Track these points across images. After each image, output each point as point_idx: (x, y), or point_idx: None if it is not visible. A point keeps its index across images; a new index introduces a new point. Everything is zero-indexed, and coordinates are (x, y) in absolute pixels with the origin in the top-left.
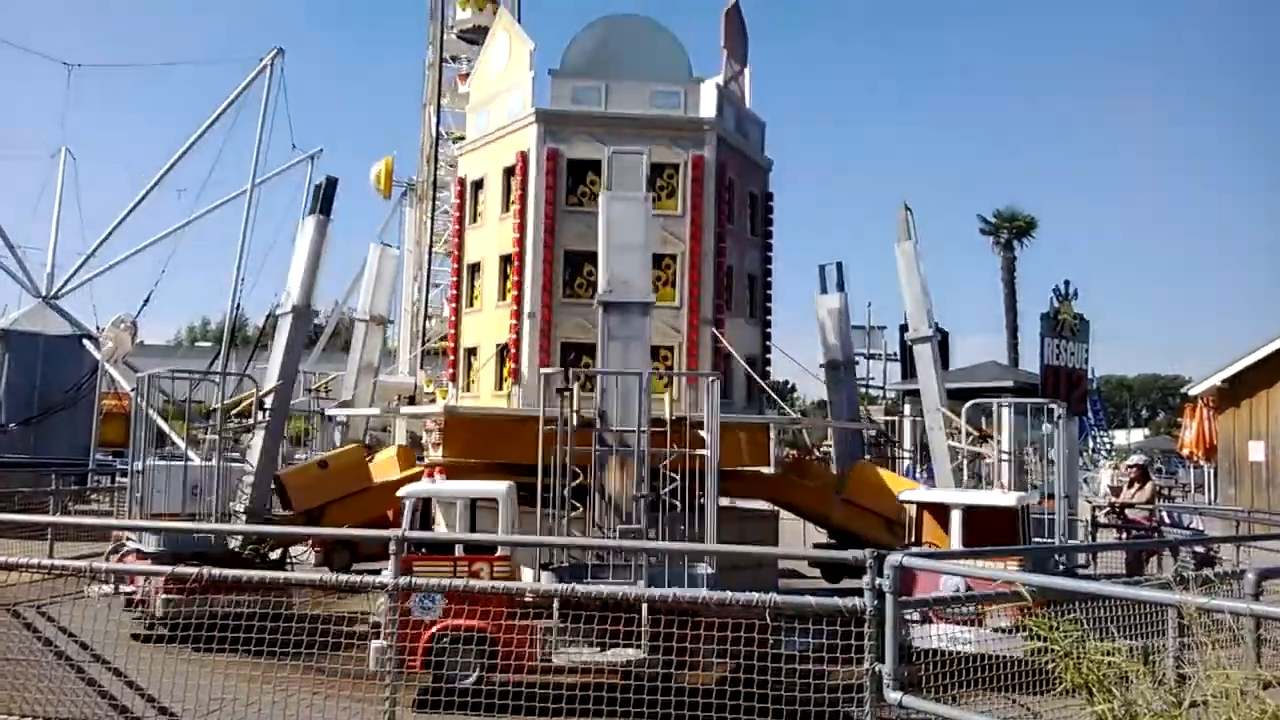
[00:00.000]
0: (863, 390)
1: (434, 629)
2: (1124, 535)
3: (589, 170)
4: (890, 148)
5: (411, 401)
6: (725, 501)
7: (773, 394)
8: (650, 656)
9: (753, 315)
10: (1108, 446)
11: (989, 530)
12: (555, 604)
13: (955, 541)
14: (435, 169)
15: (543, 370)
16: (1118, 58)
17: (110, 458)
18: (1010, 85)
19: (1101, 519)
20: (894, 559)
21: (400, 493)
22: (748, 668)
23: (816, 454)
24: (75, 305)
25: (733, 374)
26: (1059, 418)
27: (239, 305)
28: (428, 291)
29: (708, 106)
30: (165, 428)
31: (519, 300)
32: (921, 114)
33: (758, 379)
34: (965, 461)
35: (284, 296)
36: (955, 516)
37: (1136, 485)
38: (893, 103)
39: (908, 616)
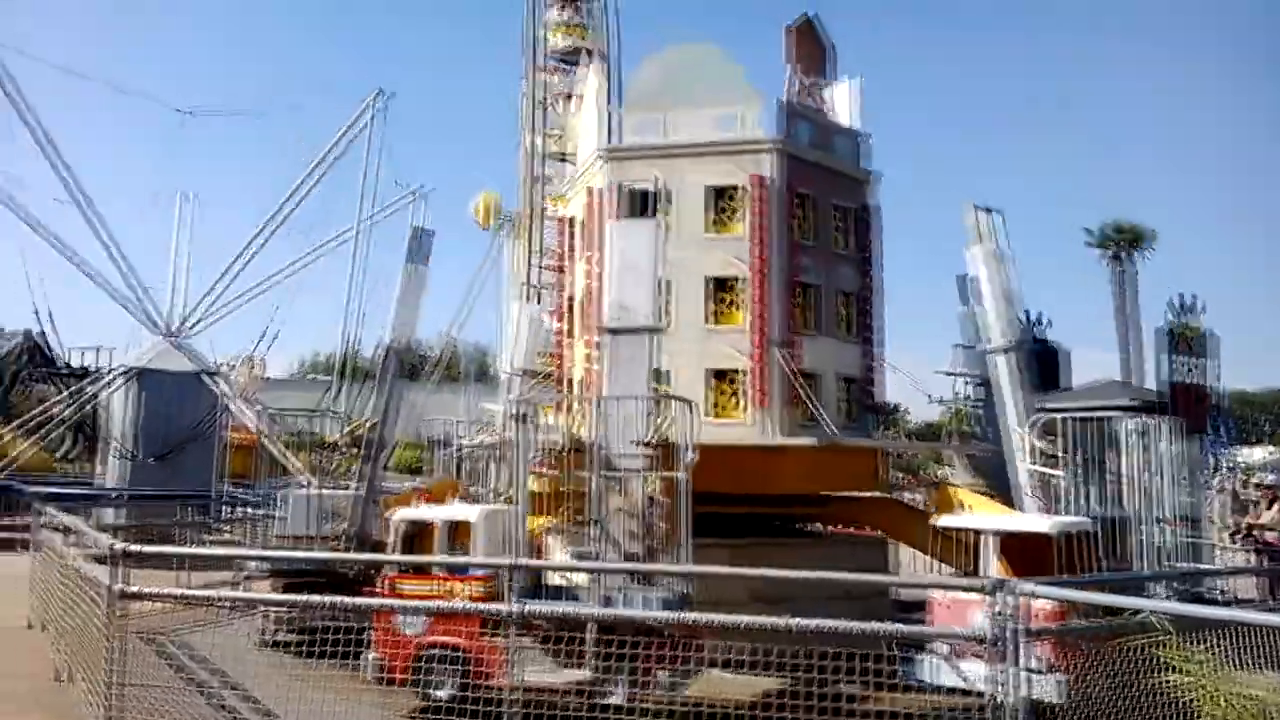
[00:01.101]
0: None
1: (417, 644)
2: (1260, 560)
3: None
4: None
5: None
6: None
7: (818, 414)
8: (600, 676)
9: (851, 333)
10: (1231, 465)
11: (1033, 557)
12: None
13: (990, 569)
14: (535, 193)
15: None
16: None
17: (235, 488)
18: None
19: (1229, 541)
20: (1025, 587)
21: (388, 515)
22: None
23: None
24: (198, 342)
25: (819, 395)
26: (1165, 433)
27: (352, 339)
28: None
29: (768, 125)
30: (289, 459)
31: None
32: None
33: (808, 397)
34: (1039, 482)
35: (387, 336)
36: (988, 543)
37: (1270, 505)
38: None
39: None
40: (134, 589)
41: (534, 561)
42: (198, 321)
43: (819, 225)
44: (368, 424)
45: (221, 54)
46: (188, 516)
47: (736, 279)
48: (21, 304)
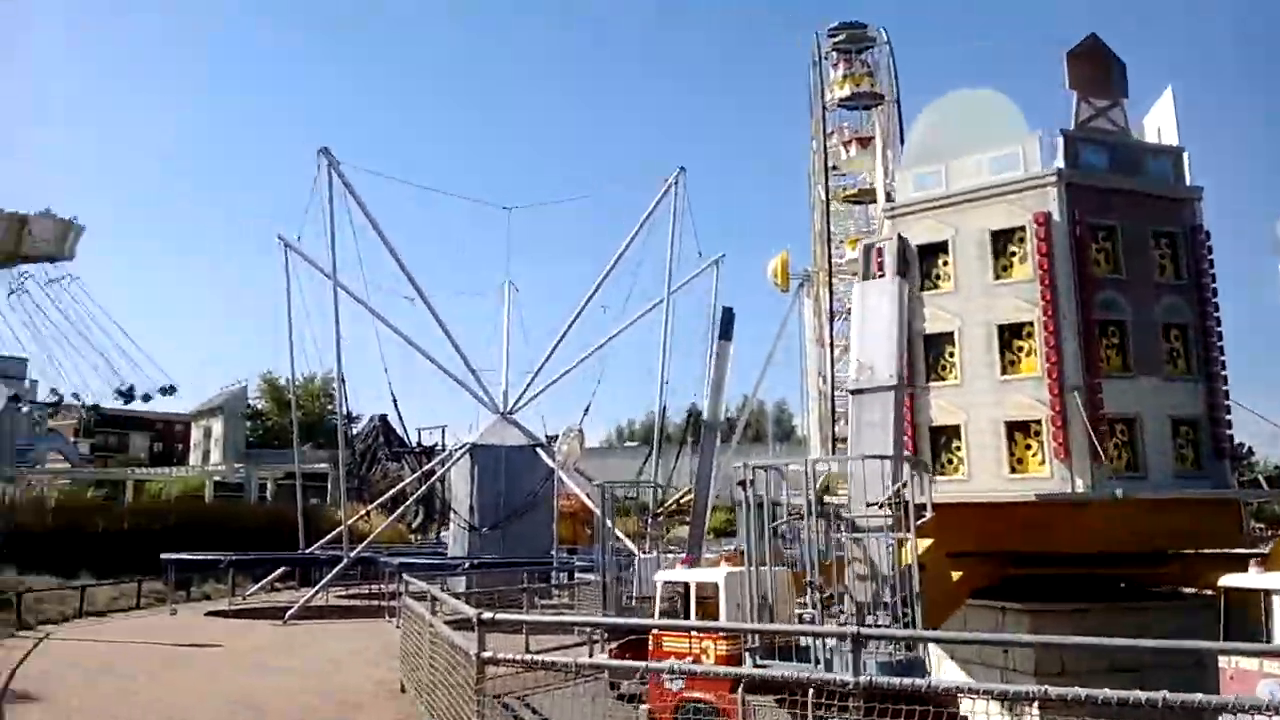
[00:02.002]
0: None
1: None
2: None
3: (938, 253)
4: None
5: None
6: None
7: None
8: None
9: (1186, 370)
10: None
11: None
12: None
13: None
14: (824, 253)
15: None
16: None
17: (566, 554)
18: None
19: None
20: None
21: (655, 577)
22: None
23: None
24: (525, 417)
25: (1140, 441)
26: None
27: (661, 407)
28: (833, 375)
29: (1047, 159)
30: (613, 525)
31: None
32: None
33: (1097, 444)
34: None
35: (703, 404)
36: (1273, 605)
37: None
38: None
39: None
40: (494, 654)
41: (783, 628)
42: (525, 399)
43: (1129, 256)
44: (683, 493)
45: (523, 149)
46: (527, 582)
47: (1028, 324)
48: (373, 389)
